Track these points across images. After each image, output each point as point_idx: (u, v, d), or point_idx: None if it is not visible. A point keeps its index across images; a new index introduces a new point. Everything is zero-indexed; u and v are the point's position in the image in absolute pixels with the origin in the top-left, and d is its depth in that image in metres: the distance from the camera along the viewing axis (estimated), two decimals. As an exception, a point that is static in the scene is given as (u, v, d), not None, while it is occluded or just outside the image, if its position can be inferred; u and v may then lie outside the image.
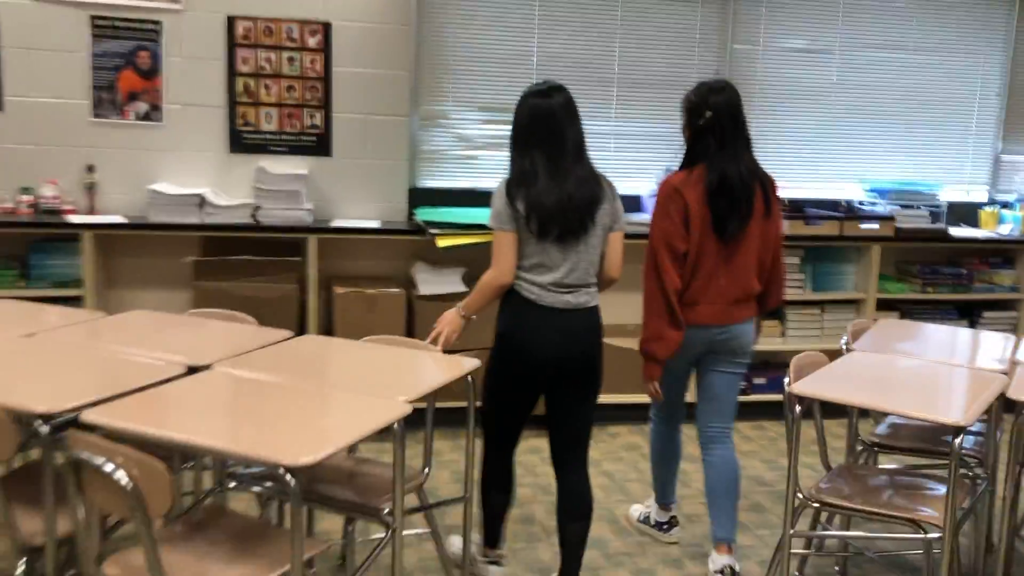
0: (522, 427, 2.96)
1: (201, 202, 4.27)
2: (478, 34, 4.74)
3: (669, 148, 5.01)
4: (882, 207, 4.95)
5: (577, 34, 4.84)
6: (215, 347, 2.78)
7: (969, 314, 5.11)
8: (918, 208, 4.98)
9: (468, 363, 2.72)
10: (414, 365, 2.78)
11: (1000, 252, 5.15)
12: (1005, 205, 5.26)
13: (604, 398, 2.95)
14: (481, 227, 4.32)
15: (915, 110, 5.25)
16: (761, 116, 5.02)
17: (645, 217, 4.69)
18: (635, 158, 5.03)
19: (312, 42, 4.51)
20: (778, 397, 4.65)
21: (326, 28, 4.50)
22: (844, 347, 3.23)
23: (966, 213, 5.23)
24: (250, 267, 4.31)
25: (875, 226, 4.82)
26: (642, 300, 3.07)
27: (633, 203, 4.97)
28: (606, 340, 2.92)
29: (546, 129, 2.70)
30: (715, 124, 3.01)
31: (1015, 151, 5.41)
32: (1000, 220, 5.15)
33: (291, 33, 4.47)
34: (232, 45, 4.44)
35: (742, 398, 3.36)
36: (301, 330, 4.42)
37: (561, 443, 2.92)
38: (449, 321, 2.90)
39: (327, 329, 4.50)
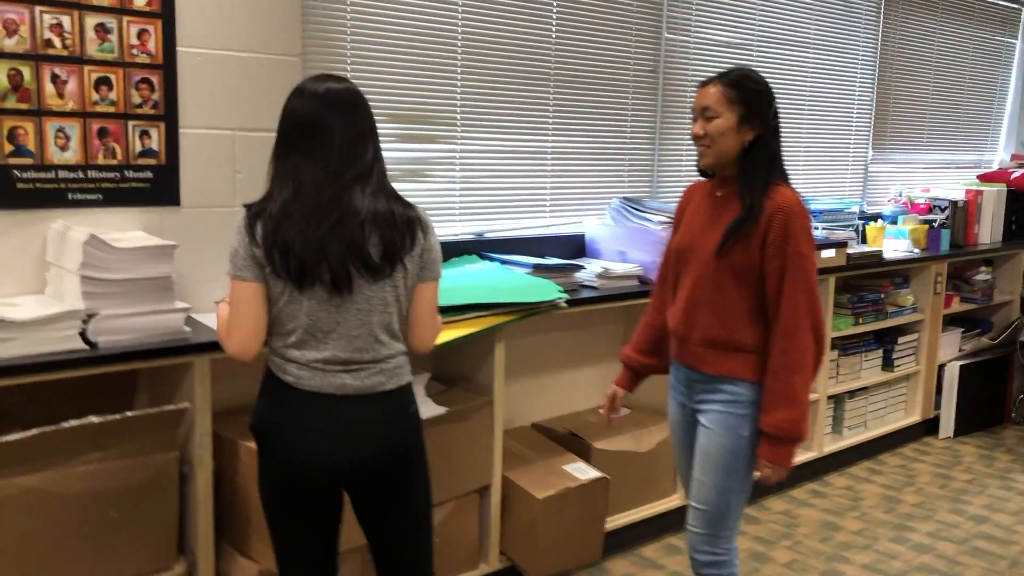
0: (310, 555, 2.08)
1: (-31, 318, 2.07)
2: (385, 7, 3.03)
3: (614, 171, 3.81)
4: (820, 231, 4.26)
5: (509, 15, 3.36)
6: None
7: (881, 342, 4.67)
8: (846, 230, 4.38)
9: None
10: None
11: (899, 272, 4.78)
12: (877, 217, 4.91)
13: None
14: (475, 307, 2.78)
15: (809, 115, 4.64)
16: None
17: (612, 265, 3.42)
18: (577, 184, 3.70)
19: (140, 0, 2.47)
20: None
21: (163, -24, 2.49)
22: None
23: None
24: (86, 436, 2.20)
25: (832, 254, 4.11)
26: (785, 365, 2.24)
27: (576, 245, 3.66)
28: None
29: (313, 131, 1.91)
30: (778, 119, 2.38)
31: (882, 160, 5.09)
32: (885, 235, 4.77)
33: (103, -20, 2.39)
34: (-15, -4, 2.24)
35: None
36: (181, 539, 2.42)
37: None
38: None
39: (223, 520, 2.52)
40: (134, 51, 2.47)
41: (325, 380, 1.93)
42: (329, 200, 1.89)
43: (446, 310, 2.59)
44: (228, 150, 2.66)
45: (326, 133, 1.91)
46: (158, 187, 2.56)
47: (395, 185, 2.97)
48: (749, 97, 2.30)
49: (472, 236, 3.37)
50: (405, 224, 1.95)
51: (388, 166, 2.94)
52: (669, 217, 3.43)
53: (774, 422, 2.25)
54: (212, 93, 2.62)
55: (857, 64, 4.79)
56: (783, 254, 2.23)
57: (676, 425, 2.53)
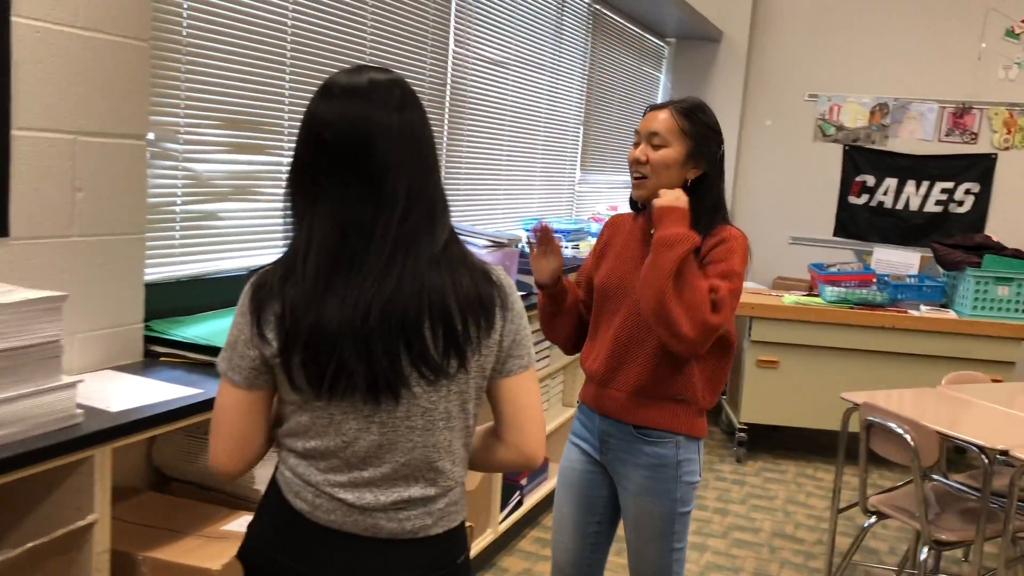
0: None
1: None
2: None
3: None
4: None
5: (333, 15, 2.93)
6: None
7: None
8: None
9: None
10: None
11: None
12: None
13: None
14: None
15: (545, 134, 4.74)
16: (484, 137, 3.87)
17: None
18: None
19: (-31, -57, 1.71)
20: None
21: (-5, -87, 1.75)
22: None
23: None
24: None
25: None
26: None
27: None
28: None
29: (353, 151, 1.32)
30: (723, 161, 2.27)
31: (588, 181, 5.37)
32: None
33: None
34: None
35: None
36: None
37: None
38: None
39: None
40: (-43, 16, 1.71)
41: (350, 517, 1.40)
42: (385, 262, 1.31)
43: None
44: (68, 160, 1.97)
45: (372, 154, 1.31)
46: (-19, 212, 1.81)
47: (225, 206, 2.52)
48: (701, 131, 2.17)
49: (290, 263, 2.89)
50: (478, 302, 1.38)
51: (220, 181, 2.48)
52: (492, 240, 3.29)
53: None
54: (53, 83, 1.91)
55: (573, 88, 5.02)
56: (715, 270, 2.10)
57: (574, 474, 2.35)
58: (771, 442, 5.32)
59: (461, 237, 1.45)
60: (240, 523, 2.04)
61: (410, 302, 1.32)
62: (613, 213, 5.18)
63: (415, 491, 1.41)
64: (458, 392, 1.41)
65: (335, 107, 1.33)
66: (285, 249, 1.38)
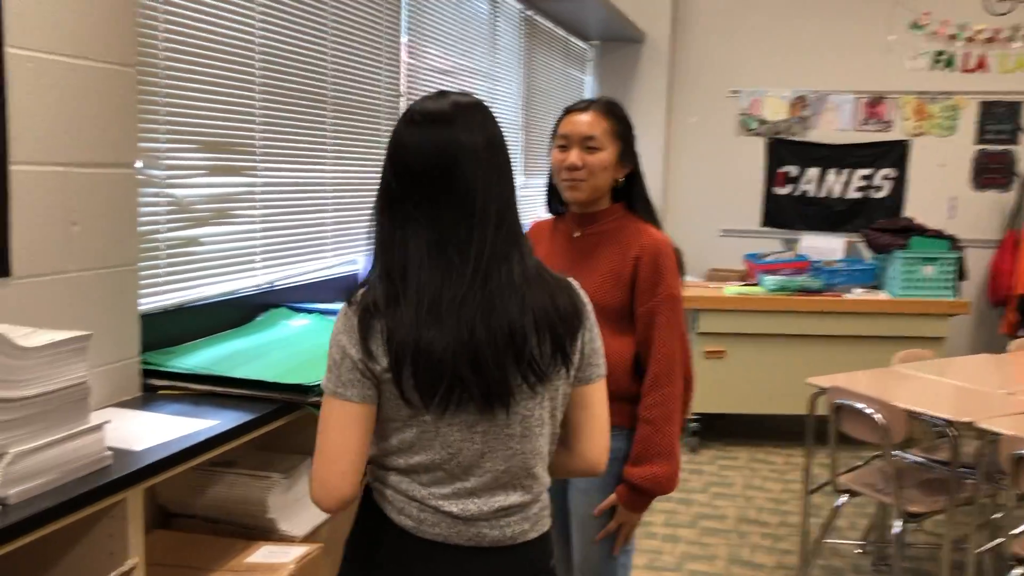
0: None
1: None
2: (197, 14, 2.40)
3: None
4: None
5: (299, 32, 2.89)
6: None
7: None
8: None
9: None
10: None
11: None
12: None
13: None
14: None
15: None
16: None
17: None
18: (352, 219, 3.32)
19: (-38, -27, 1.64)
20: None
21: (-16, -59, 1.67)
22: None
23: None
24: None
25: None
26: (664, 415, 2.08)
27: (350, 287, 3.29)
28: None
29: (440, 173, 1.38)
30: None
31: (531, 185, 5.41)
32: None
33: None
34: None
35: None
36: None
37: None
38: None
39: None
40: (-48, 50, 1.64)
41: (454, 528, 1.44)
42: (483, 278, 1.36)
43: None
44: (63, 194, 1.90)
45: (460, 176, 1.36)
46: (-17, 251, 1.73)
47: (207, 231, 2.47)
48: (627, 131, 2.18)
49: (266, 286, 2.85)
50: (571, 311, 1.45)
51: (201, 205, 2.43)
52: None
53: (650, 475, 2.07)
54: (47, 114, 1.84)
55: (512, 94, 5.05)
56: (654, 295, 2.10)
57: None
58: (720, 430, 5.47)
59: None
60: (263, 554, 2.00)
61: (514, 314, 1.37)
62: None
63: (514, 498, 1.47)
64: (550, 399, 1.47)
65: (421, 133, 1.40)
66: (370, 280, 1.42)
